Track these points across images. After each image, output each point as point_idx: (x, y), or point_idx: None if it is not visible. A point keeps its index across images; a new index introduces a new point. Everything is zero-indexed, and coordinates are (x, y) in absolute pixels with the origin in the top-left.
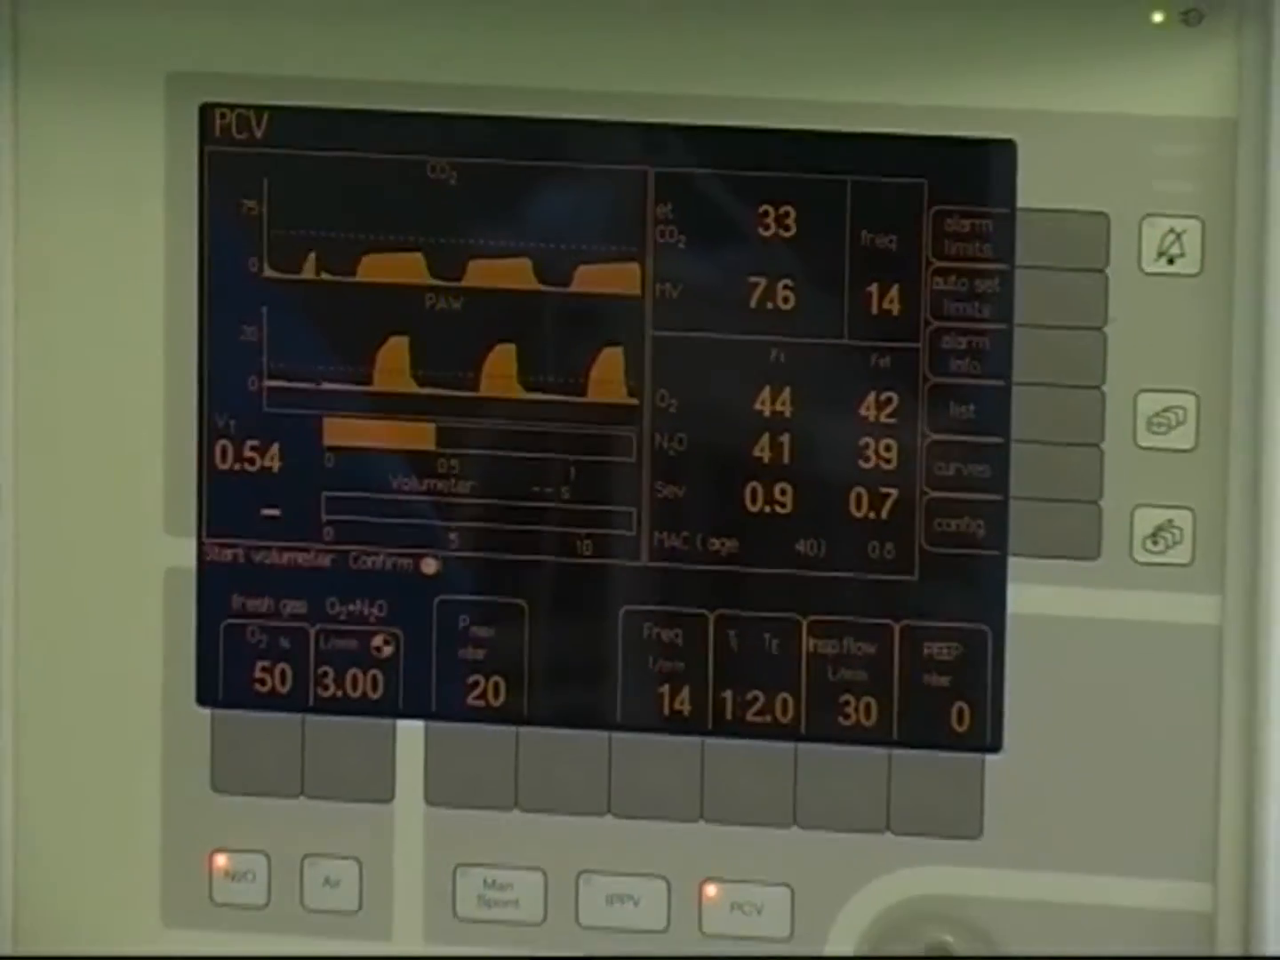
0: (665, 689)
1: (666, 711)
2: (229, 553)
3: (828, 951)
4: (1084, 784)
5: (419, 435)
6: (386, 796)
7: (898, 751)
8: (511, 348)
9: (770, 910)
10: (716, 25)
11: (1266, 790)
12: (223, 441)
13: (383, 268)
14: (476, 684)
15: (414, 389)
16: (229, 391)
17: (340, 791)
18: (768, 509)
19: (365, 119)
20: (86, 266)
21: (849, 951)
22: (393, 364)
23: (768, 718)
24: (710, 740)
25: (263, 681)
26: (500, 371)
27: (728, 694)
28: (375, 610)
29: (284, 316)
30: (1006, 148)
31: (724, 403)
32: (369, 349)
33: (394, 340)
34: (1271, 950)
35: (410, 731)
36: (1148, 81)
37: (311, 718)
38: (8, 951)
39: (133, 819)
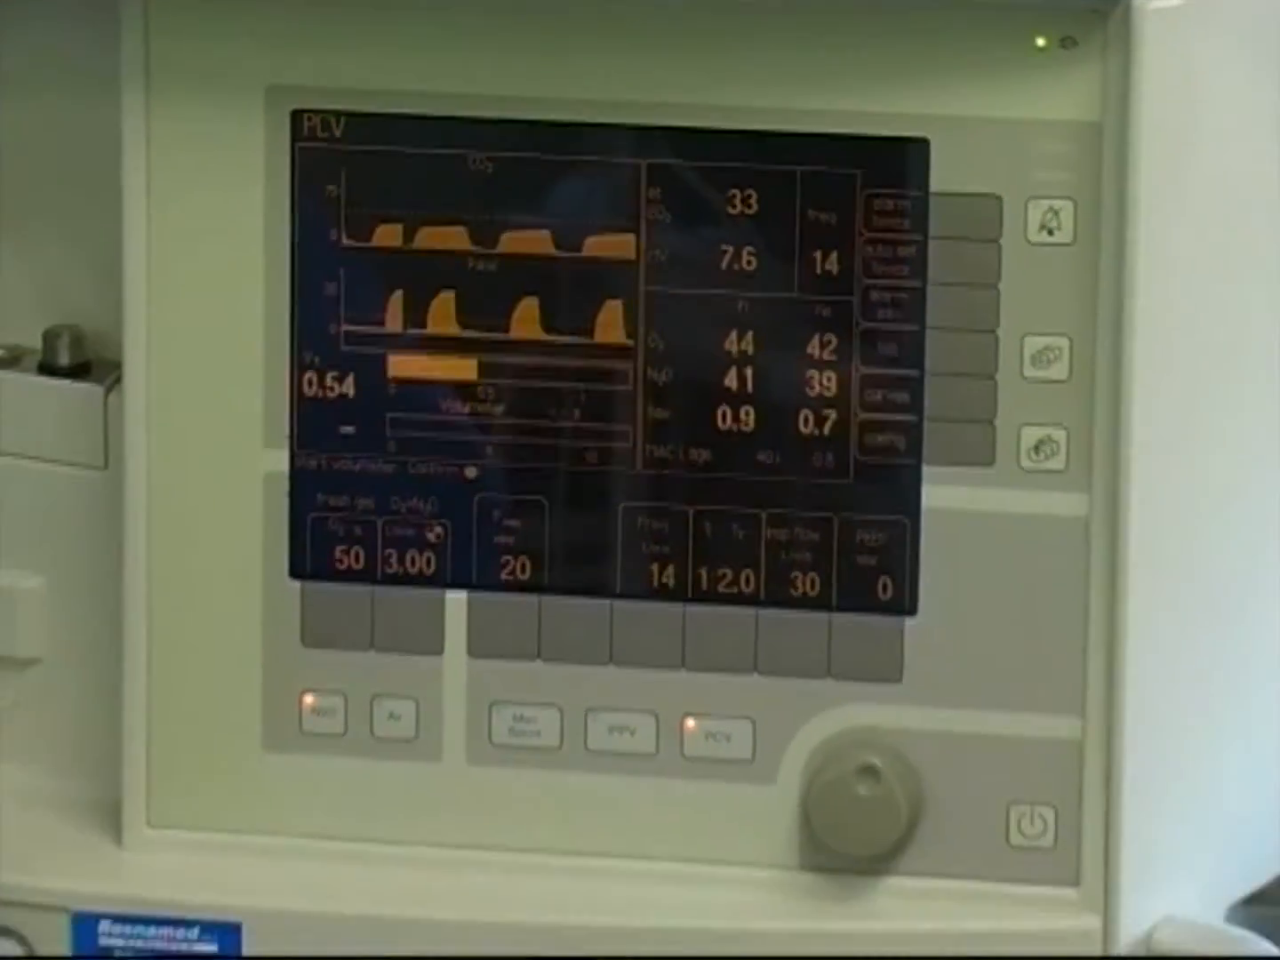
0: (654, 567)
1: (655, 584)
2: (313, 461)
3: (782, 769)
4: (980, 640)
5: (463, 369)
6: (437, 650)
7: (836, 615)
8: (535, 300)
9: (736, 738)
10: (695, 51)
11: (1124, 641)
12: (309, 374)
13: (434, 238)
14: (507, 563)
15: (459, 332)
16: (314, 335)
17: (401, 646)
18: (734, 427)
19: (420, 121)
20: (204, 239)
21: (800, 768)
22: (442, 313)
23: (734, 589)
24: (690, 607)
25: (340, 560)
26: (526, 318)
27: (703, 570)
28: (428, 506)
29: (357, 276)
30: (922, 145)
31: (701, 344)
32: (424, 301)
33: (443, 294)
34: (1127, 768)
35: (456, 599)
36: (1032, 93)
37: (379, 589)
38: (143, 784)
39: (241, 668)
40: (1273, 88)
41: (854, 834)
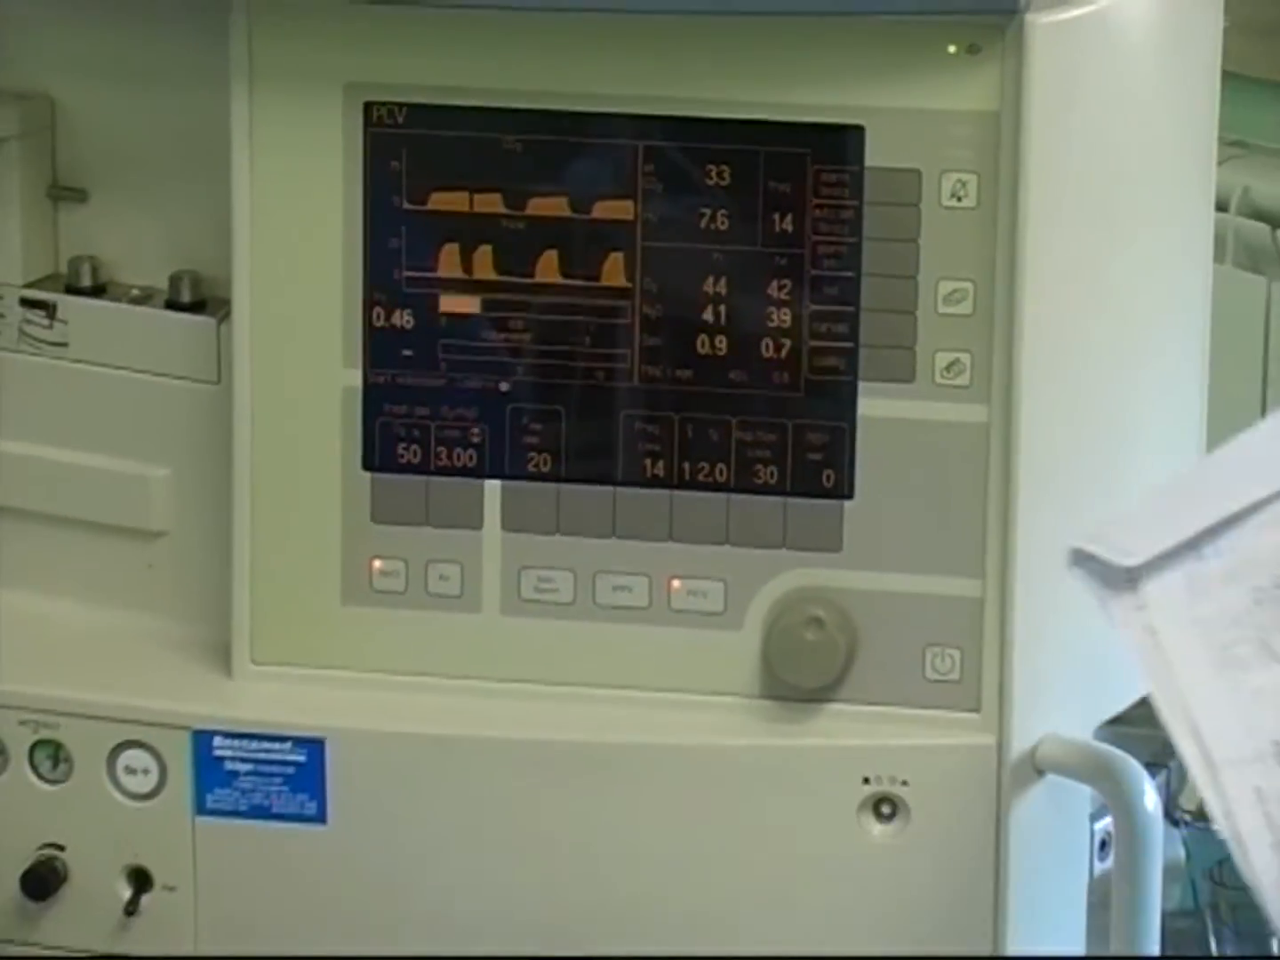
0: (647, 461)
1: (648, 475)
2: (380, 378)
3: (747, 619)
4: (903, 518)
5: (498, 306)
6: (478, 525)
7: (790, 499)
8: (555, 252)
9: (711, 595)
10: (682, 57)
11: (1015, 519)
12: (377, 309)
13: (476, 203)
14: (532, 458)
15: (495, 277)
16: (381, 279)
17: (449, 522)
18: (711, 351)
19: (465, 111)
20: (296, 203)
21: (761, 618)
22: (482, 262)
23: (710, 479)
24: (675, 492)
25: (401, 456)
26: (548, 266)
27: (686, 464)
28: (470, 413)
29: (415, 233)
30: (859, 130)
31: (684, 286)
32: (467, 252)
33: (483, 247)
34: (1017, 617)
35: (492, 486)
36: (945, 89)
37: (432, 478)
38: (248, 629)
39: (324, 539)
40: (1136, 84)
41: (803, 669)
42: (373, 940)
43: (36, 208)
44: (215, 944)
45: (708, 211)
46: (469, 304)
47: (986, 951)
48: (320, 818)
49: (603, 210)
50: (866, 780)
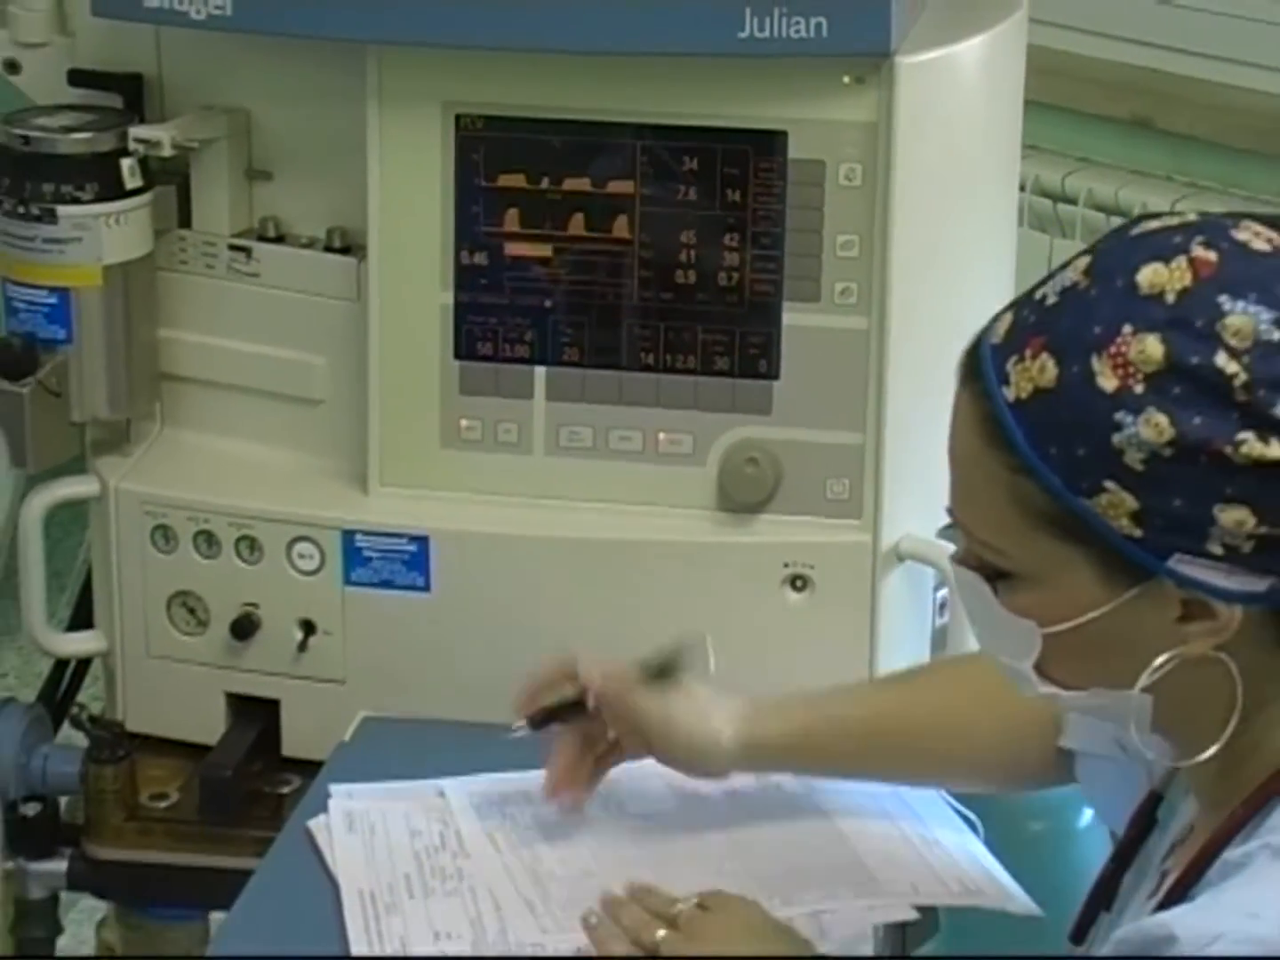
0: (642, 354)
1: (644, 363)
2: (465, 297)
3: (709, 459)
4: (811, 392)
5: (544, 251)
6: (530, 396)
7: (738, 380)
8: (582, 215)
9: (685, 443)
10: (666, 85)
11: (886, 388)
12: (463, 252)
13: (530, 181)
14: (566, 352)
15: (542, 231)
16: (465, 232)
17: (511, 394)
18: (685, 281)
19: (522, 120)
20: (408, 182)
21: (718, 458)
22: (532, 221)
23: (686, 366)
24: (661, 375)
25: (479, 349)
26: (576, 224)
27: (668, 355)
28: (525, 322)
29: (489, 202)
30: (784, 134)
31: (668, 239)
32: (524, 214)
33: (533, 211)
34: (887, 456)
35: (540, 370)
36: (842, 106)
37: (500, 365)
38: (378, 462)
39: (428, 404)
40: (971, 105)
41: (745, 492)
42: (455, 662)
43: (238, 184)
44: (356, 671)
45: (683, 188)
46: (524, 249)
47: (866, 675)
48: (426, 588)
49: (613, 187)
50: (786, 565)
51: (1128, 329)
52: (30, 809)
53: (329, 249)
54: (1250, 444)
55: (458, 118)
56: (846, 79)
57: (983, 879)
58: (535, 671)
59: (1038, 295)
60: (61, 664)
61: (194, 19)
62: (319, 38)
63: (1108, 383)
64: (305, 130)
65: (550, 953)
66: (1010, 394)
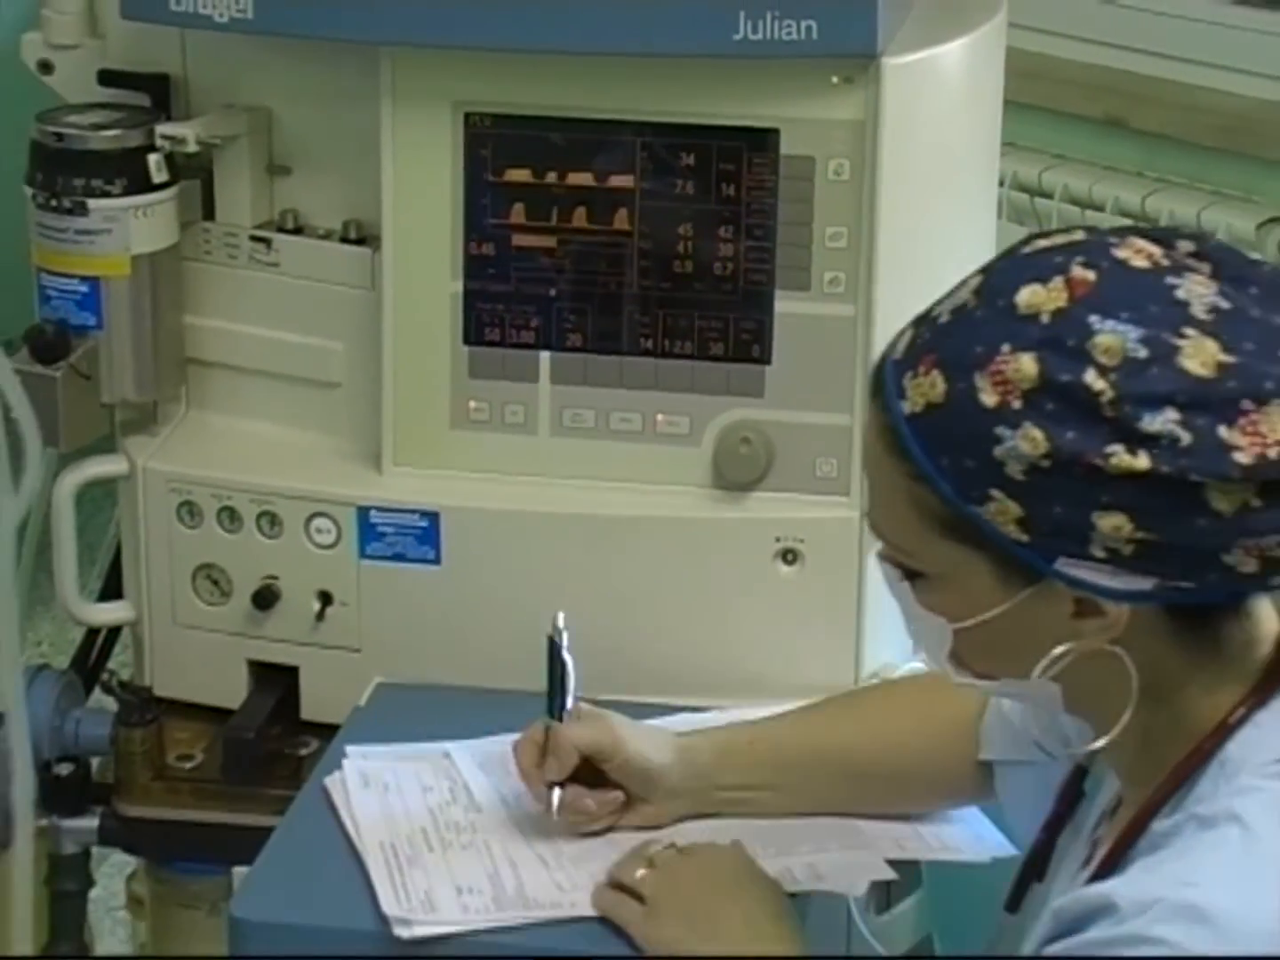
0: (642, 339)
1: (642, 348)
2: (474, 285)
3: (704, 439)
4: (800, 376)
5: (549, 241)
6: (535, 380)
7: (731, 364)
8: (584, 208)
9: (682, 424)
10: (663, 85)
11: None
12: (472, 243)
13: (535, 176)
14: (570, 338)
15: (547, 224)
16: (474, 224)
17: (518, 378)
18: (683, 271)
19: (529, 118)
20: (421, 175)
21: (713, 438)
22: (537, 213)
23: (683, 351)
24: (660, 360)
25: (487, 335)
26: (580, 217)
27: (666, 341)
28: (530, 309)
29: (496, 195)
30: (776, 131)
31: (666, 230)
32: (529, 207)
33: (539, 204)
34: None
35: (544, 355)
36: (831, 105)
37: (507, 350)
38: (392, 442)
39: (439, 387)
40: (953, 104)
41: (738, 471)
42: (464, 631)
43: (258, 179)
44: (370, 640)
45: (680, 183)
46: (530, 240)
47: (853, 643)
48: (437, 561)
49: (614, 182)
50: (778, 539)
51: (1006, 348)
52: (64, 769)
53: (345, 240)
54: (1120, 456)
55: (467, 116)
56: (835, 79)
57: (966, 837)
58: (521, 765)
59: (934, 314)
60: (93, 633)
61: (217, 22)
62: (335, 40)
63: (989, 399)
64: (322, 128)
65: (569, 910)
66: (907, 408)
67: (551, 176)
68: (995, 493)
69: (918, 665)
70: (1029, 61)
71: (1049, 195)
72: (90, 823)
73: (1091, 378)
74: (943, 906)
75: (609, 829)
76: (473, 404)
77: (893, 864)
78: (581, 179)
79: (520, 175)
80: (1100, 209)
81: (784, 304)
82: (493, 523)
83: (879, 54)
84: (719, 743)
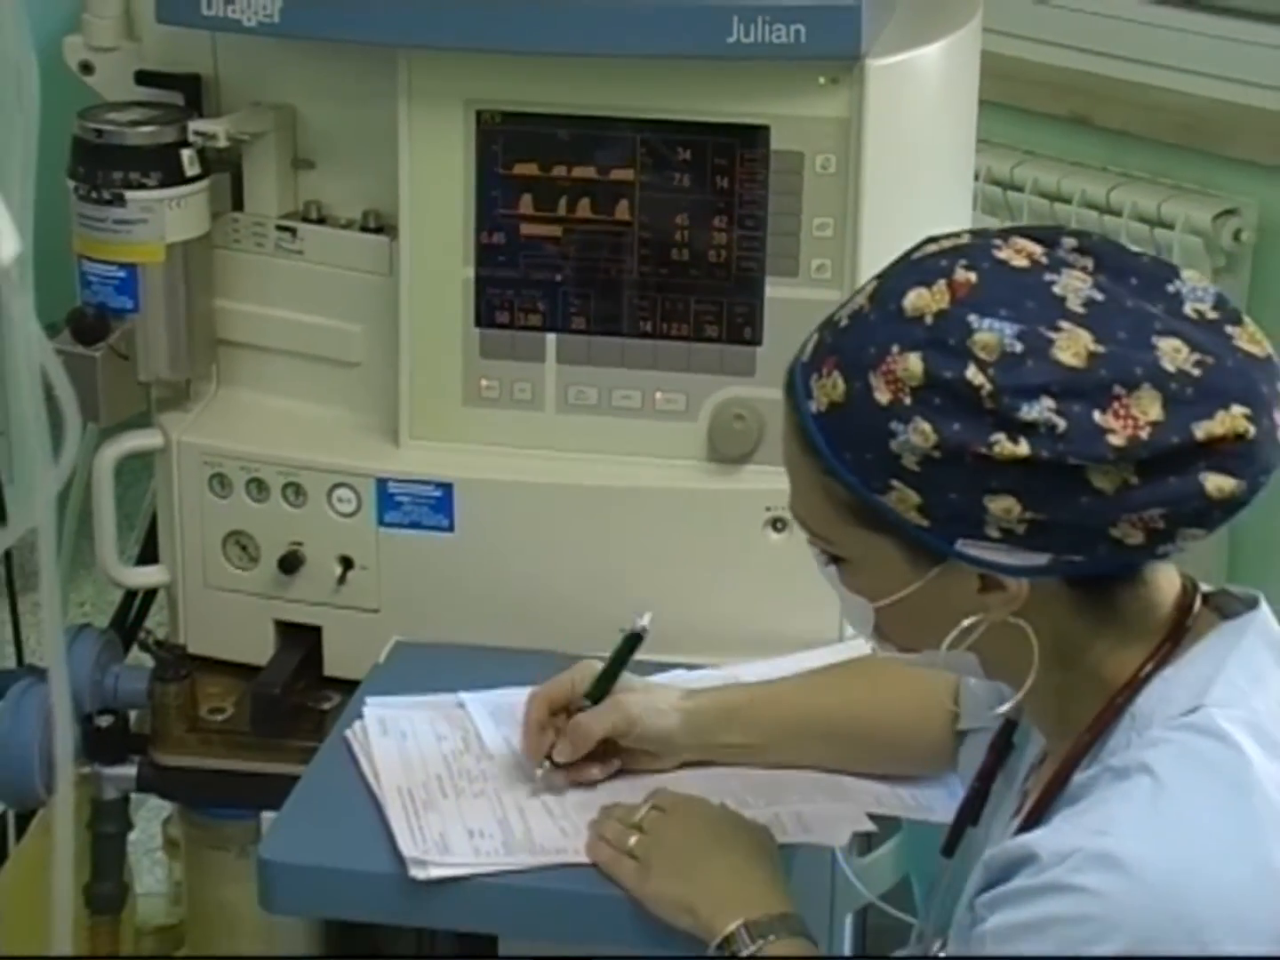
0: (641, 322)
1: (642, 330)
2: (485, 272)
3: (700, 415)
4: (790, 355)
5: (555, 230)
6: (542, 360)
7: (725, 345)
8: (589, 199)
9: (679, 401)
10: (661, 84)
11: None
12: (483, 232)
13: (542, 169)
14: (575, 320)
15: (553, 214)
16: (486, 214)
17: (526, 358)
18: (679, 258)
19: (537, 116)
20: (435, 170)
21: (708, 415)
22: (545, 205)
23: (680, 333)
24: (659, 341)
25: (498, 317)
26: (585, 207)
27: (664, 323)
28: (538, 293)
29: (506, 187)
30: (767, 128)
31: (664, 220)
32: (537, 199)
33: (546, 196)
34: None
35: (551, 337)
36: (818, 103)
37: (517, 332)
38: (409, 417)
39: (452, 366)
40: (932, 102)
41: (731, 445)
42: (475, 594)
43: (284, 172)
44: (389, 602)
45: (677, 176)
46: (537, 230)
47: (836, 604)
48: (450, 529)
49: (616, 175)
50: (768, 509)
51: (895, 348)
52: (104, 721)
53: (364, 229)
54: (1003, 444)
55: (478, 113)
56: (822, 80)
57: (939, 796)
58: (530, 717)
59: (835, 318)
60: (130, 594)
61: (246, 25)
62: (356, 42)
63: (883, 396)
64: (344, 124)
65: (573, 856)
66: (814, 407)
67: (557, 170)
68: (895, 483)
69: None
70: (1001, 64)
71: (1020, 189)
72: (129, 770)
73: (972, 373)
74: (920, 850)
75: (611, 776)
76: (484, 382)
77: (872, 816)
78: (585, 172)
79: (528, 169)
80: (1068, 202)
81: (774, 289)
82: (502, 493)
83: (863, 56)
84: (721, 703)
